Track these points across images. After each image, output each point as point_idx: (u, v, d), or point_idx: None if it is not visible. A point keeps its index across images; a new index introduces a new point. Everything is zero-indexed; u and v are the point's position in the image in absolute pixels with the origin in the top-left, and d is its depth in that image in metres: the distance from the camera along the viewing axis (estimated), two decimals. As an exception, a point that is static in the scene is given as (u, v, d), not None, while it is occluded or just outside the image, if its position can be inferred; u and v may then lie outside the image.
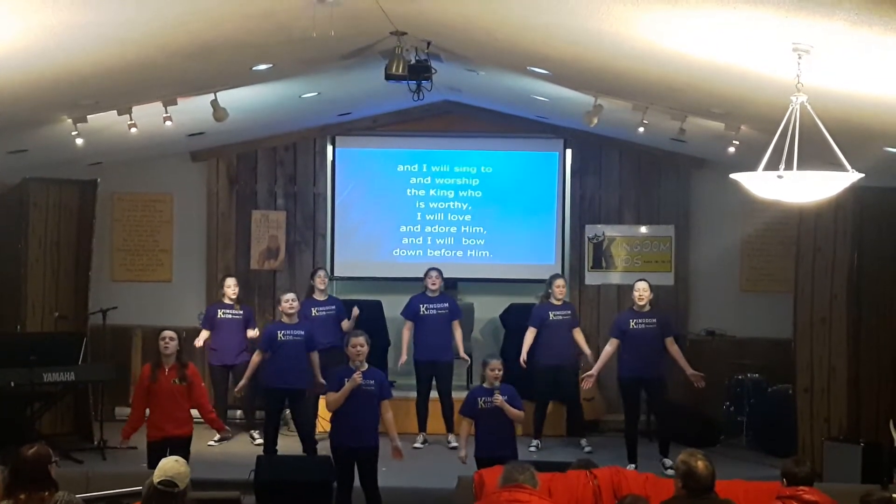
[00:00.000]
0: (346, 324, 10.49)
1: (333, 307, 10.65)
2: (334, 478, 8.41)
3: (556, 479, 6.77)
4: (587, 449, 10.25)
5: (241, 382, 9.64)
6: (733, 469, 8.85)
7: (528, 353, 10.27)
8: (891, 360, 9.24)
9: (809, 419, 9.44)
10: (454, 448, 10.23)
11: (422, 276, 11.08)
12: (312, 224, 12.12)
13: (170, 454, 6.87)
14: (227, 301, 10.65)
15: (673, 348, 9.74)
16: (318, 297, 10.64)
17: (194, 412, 8.40)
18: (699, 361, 10.38)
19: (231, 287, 10.62)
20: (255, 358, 9.61)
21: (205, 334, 10.65)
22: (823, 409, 9.38)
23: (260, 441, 10.32)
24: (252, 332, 10.62)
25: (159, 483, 4.93)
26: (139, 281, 12.03)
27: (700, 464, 5.29)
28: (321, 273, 10.73)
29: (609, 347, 9.84)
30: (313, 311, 10.51)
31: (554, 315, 10.34)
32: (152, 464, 7.68)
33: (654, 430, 10.20)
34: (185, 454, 7.59)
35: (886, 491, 5.55)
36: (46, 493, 5.10)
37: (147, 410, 8.16)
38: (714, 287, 11.85)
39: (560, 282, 10.47)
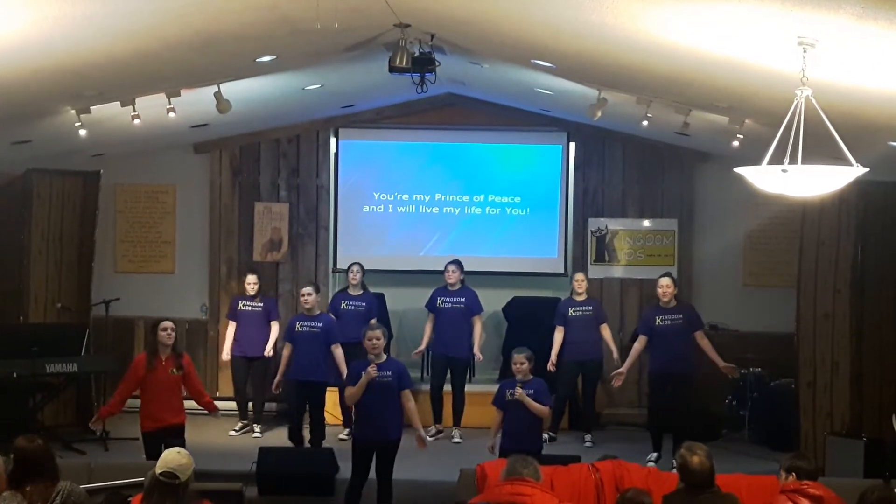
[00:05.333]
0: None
1: (364, 304, 10.60)
2: (336, 470, 8.44)
3: (558, 473, 6.78)
4: (587, 444, 10.25)
5: (277, 378, 9.68)
6: (735, 463, 8.87)
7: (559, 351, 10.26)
8: (894, 355, 9.24)
9: (812, 414, 9.44)
10: (458, 443, 10.29)
11: (425, 269, 11.10)
12: (315, 216, 12.12)
13: (167, 443, 6.92)
14: (247, 294, 10.69)
15: (703, 342, 9.72)
16: (352, 291, 10.66)
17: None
18: (702, 355, 10.37)
19: (250, 284, 10.65)
20: (285, 351, 9.68)
21: (231, 327, 10.66)
22: (826, 403, 9.39)
23: (258, 434, 10.41)
24: (274, 326, 10.61)
25: (161, 474, 4.94)
26: (142, 272, 12.04)
27: (695, 458, 5.29)
28: (354, 268, 10.70)
29: (638, 345, 9.85)
30: (343, 304, 10.56)
31: (574, 311, 10.35)
32: (150, 455, 7.72)
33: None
34: (182, 442, 7.61)
35: (888, 486, 5.54)
36: (49, 482, 5.12)
37: (136, 401, 8.17)
38: (717, 281, 11.85)
39: (578, 275, 10.51)
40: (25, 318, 10.41)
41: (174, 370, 8.12)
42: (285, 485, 8.34)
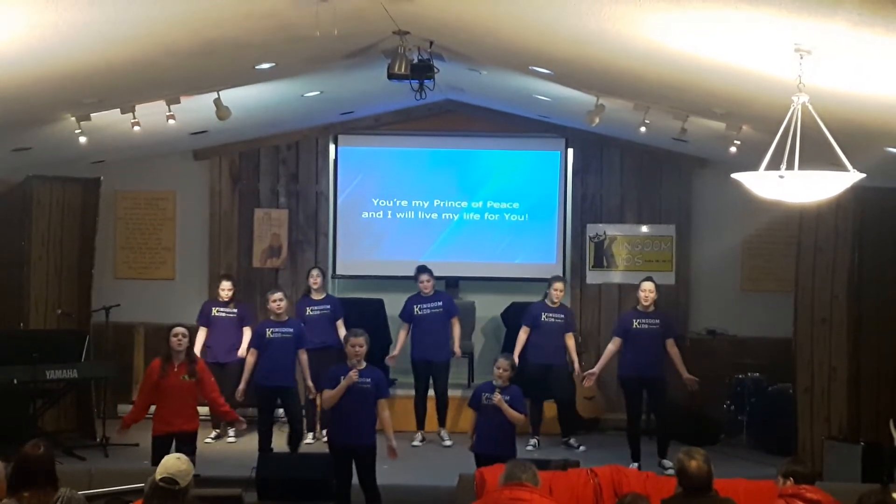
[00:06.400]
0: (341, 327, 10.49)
1: (328, 306, 10.60)
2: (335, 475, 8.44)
3: (556, 478, 6.80)
4: (581, 448, 10.26)
5: (241, 386, 9.65)
6: (733, 468, 8.87)
7: (521, 352, 10.23)
8: (891, 360, 9.25)
9: (809, 419, 9.46)
10: (447, 446, 10.31)
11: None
12: (314, 222, 12.15)
13: (177, 449, 6.94)
14: (220, 300, 10.65)
15: (672, 350, 9.73)
16: (315, 296, 10.63)
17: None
18: (700, 361, 10.43)
19: (225, 290, 10.57)
20: (249, 358, 9.66)
21: (202, 333, 10.52)
22: (823, 408, 9.40)
23: (233, 438, 10.42)
24: (247, 331, 10.53)
25: (160, 480, 4.95)
26: (142, 278, 12.06)
27: (693, 463, 5.30)
28: (314, 272, 10.69)
29: (612, 346, 9.86)
30: (308, 310, 10.52)
31: (546, 316, 10.33)
32: (157, 459, 7.74)
33: (654, 430, 10.20)
34: (193, 449, 7.66)
35: (886, 490, 5.56)
36: (50, 490, 5.13)
37: (152, 406, 8.23)
38: (715, 286, 11.87)
39: (559, 285, 10.42)
40: (25, 324, 10.42)
41: (186, 376, 8.14)
42: (285, 490, 8.33)
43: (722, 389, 10.96)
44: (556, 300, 10.38)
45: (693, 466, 5.29)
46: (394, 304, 11.77)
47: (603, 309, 11.89)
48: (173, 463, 5.03)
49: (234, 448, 10.27)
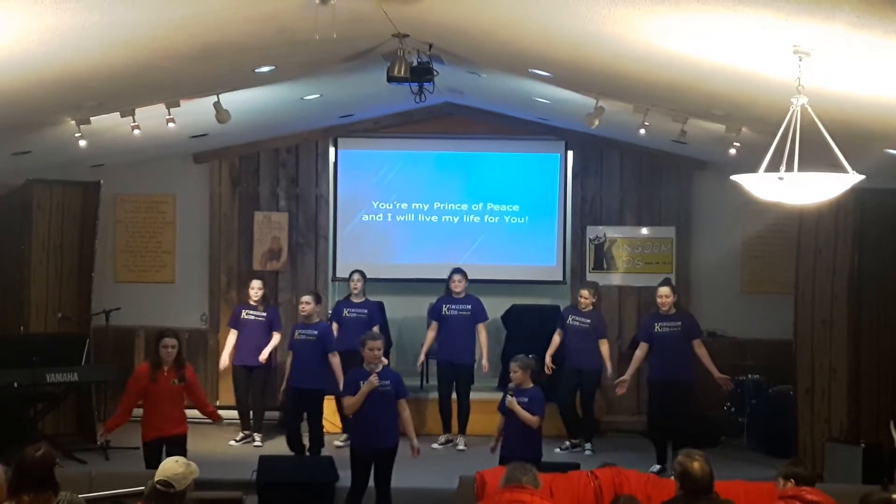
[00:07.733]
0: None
1: (366, 311, 10.63)
2: (336, 478, 8.45)
3: (557, 480, 6.80)
4: (587, 452, 10.25)
5: (283, 385, 9.80)
6: (734, 470, 8.87)
7: (555, 356, 10.30)
8: (891, 362, 9.26)
9: (810, 420, 9.46)
10: (462, 450, 10.29)
11: (424, 277, 11.12)
12: (314, 225, 12.15)
13: (168, 453, 6.94)
14: (251, 302, 10.65)
15: (700, 350, 9.74)
16: (354, 299, 10.69)
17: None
18: (700, 363, 10.39)
19: (255, 289, 10.61)
20: (288, 360, 9.80)
21: (232, 337, 10.62)
22: (824, 410, 9.40)
23: (258, 443, 10.43)
24: (275, 335, 10.56)
25: (158, 483, 4.98)
26: (142, 282, 12.06)
27: (696, 465, 5.29)
28: (354, 276, 10.73)
29: (639, 352, 9.88)
30: (345, 311, 10.60)
31: (572, 320, 10.35)
32: (149, 464, 7.76)
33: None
34: (183, 452, 7.64)
35: (887, 491, 5.56)
36: (50, 494, 5.13)
37: (141, 410, 8.25)
38: (715, 288, 11.88)
39: (584, 292, 10.40)
40: (26, 327, 10.41)
41: (175, 381, 8.17)
42: (285, 493, 8.35)
43: (722, 391, 10.93)
44: (583, 307, 10.35)
45: (696, 468, 5.28)
46: (394, 307, 11.81)
47: (603, 311, 11.85)
48: (171, 466, 5.06)
49: (235, 451, 10.26)
